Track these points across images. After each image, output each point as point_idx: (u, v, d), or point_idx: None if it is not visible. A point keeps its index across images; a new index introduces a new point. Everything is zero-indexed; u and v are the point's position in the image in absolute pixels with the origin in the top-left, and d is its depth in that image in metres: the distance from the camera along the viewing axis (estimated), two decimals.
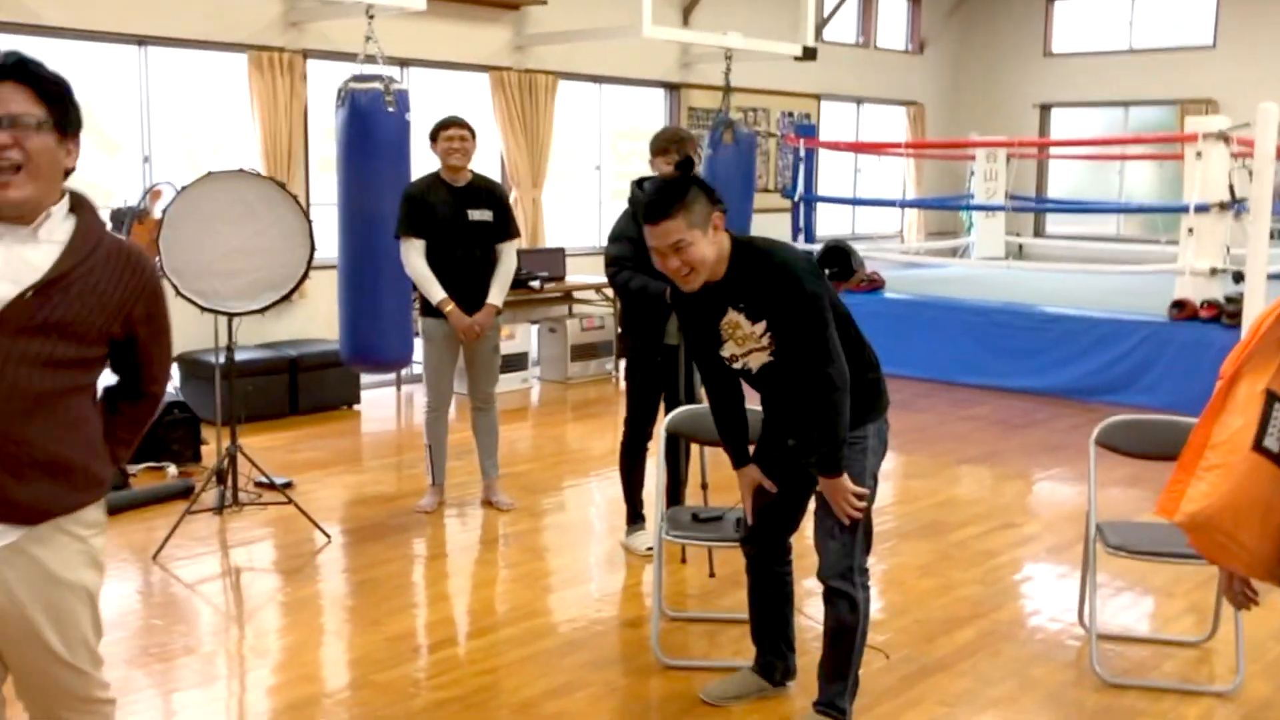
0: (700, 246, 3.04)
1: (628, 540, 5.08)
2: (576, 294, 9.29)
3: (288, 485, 5.79)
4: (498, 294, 5.38)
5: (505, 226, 5.42)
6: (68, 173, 2.19)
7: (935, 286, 10.26)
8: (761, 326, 3.12)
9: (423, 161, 5.82)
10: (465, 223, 5.29)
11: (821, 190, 11.25)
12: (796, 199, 10.95)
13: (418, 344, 5.76)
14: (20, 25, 6.97)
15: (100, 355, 2.23)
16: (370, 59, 6.56)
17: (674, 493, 4.90)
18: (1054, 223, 14.27)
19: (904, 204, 13.36)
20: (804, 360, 3.08)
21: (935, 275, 11.36)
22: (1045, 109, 14.16)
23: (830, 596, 3.29)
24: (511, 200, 6.68)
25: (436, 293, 5.25)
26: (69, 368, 2.14)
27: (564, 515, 5.74)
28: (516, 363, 8.67)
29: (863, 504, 3.18)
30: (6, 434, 2.08)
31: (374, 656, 3.96)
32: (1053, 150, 13.80)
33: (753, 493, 3.46)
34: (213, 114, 8.10)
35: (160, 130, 7.83)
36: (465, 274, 5.30)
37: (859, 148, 12.50)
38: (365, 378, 8.01)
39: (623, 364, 5.06)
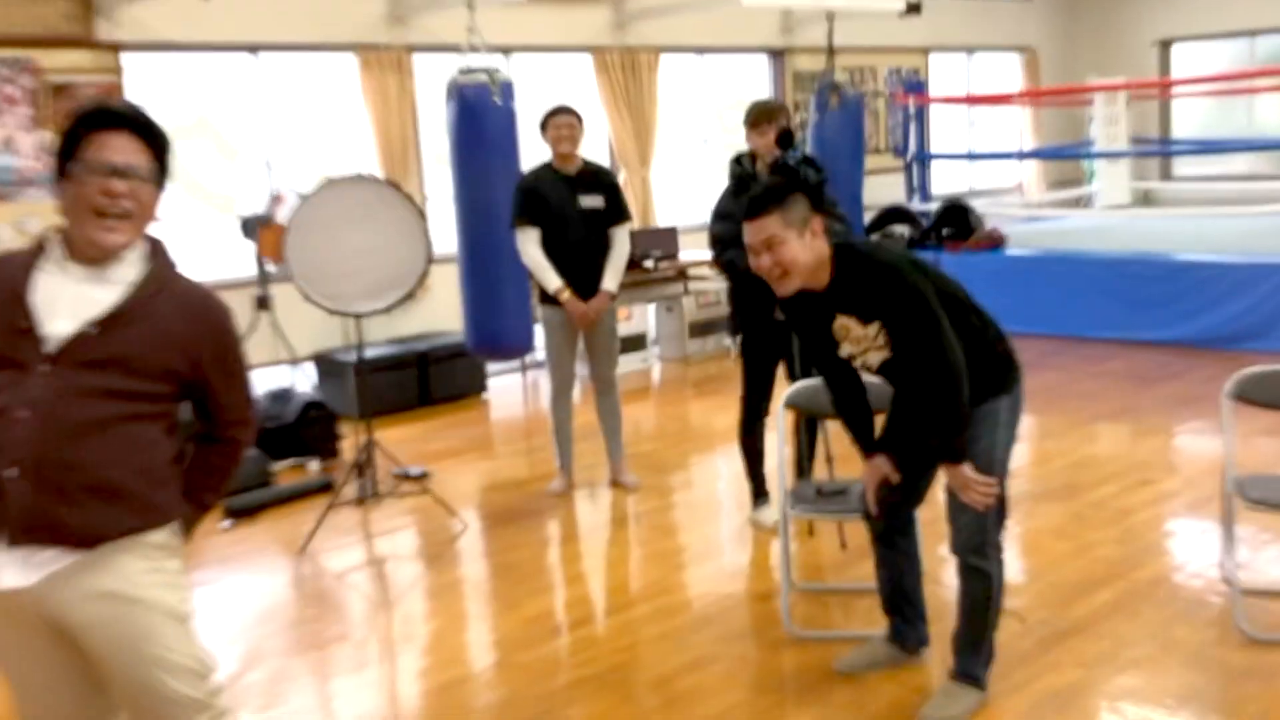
0: (792, 246, 3.05)
1: (754, 515, 5.12)
2: (691, 271, 9.33)
3: (424, 475, 5.98)
4: (612, 279, 5.45)
5: (616, 211, 5.49)
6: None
7: (1059, 239, 10.02)
8: (875, 328, 3.12)
9: (532, 148, 5.92)
10: (577, 209, 5.38)
11: (935, 147, 11.04)
12: (909, 158, 10.78)
13: (538, 330, 5.88)
14: (144, 44, 7.28)
15: (166, 391, 2.22)
16: (473, 49, 6.66)
17: (798, 467, 4.92)
18: (1181, 165, 13.74)
19: (1022, 155, 13.00)
20: (918, 356, 3.08)
21: (1059, 228, 11.08)
22: (1165, 45, 13.59)
23: (964, 571, 3.28)
24: (621, 181, 6.74)
25: (553, 281, 5.34)
26: (129, 399, 2.15)
27: (691, 492, 5.81)
28: (636, 343, 8.77)
29: (991, 489, 3.15)
30: (56, 459, 2.08)
31: (515, 638, 4.10)
32: (1175, 89, 13.25)
33: (877, 483, 3.41)
34: (327, 115, 8.32)
35: (279, 135, 8.08)
36: (580, 260, 5.39)
37: (971, 100, 12.21)
38: (491, 365, 8.20)
39: (739, 340, 5.06)
